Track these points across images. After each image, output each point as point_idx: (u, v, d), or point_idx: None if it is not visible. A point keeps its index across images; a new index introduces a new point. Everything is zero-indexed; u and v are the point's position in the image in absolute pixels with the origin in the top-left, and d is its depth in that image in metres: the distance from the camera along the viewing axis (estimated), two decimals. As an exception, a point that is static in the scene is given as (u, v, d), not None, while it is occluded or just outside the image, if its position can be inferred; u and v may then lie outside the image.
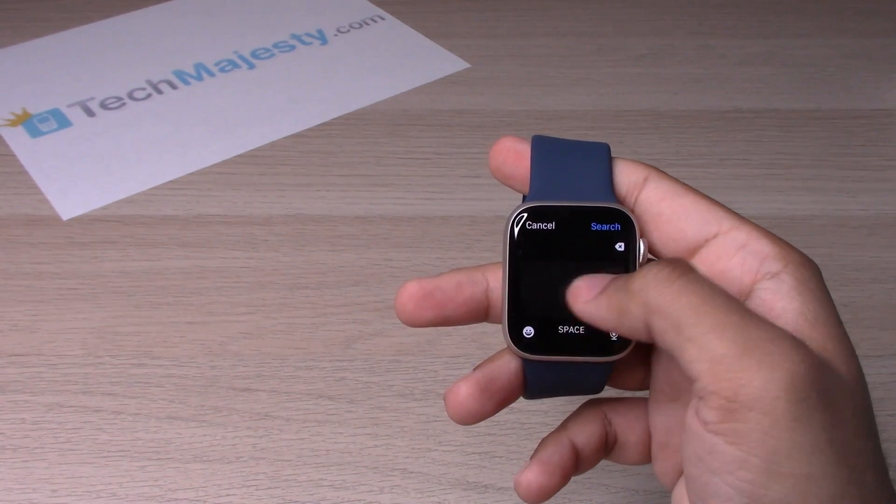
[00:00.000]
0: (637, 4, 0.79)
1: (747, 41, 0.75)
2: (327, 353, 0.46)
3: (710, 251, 0.26)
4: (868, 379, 0.47)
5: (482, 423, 0.43)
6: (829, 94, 0.68)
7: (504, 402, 0.28)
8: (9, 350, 0.46)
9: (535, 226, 0.27)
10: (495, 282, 0.28)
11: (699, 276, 0.23)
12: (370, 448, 0.42)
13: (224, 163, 0.60)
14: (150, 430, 0.43)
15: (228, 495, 0.40)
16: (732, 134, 0.63)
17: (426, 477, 0.41)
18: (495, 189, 0.57)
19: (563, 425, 0.29)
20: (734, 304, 0.23)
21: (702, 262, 0.26)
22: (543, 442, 0.29)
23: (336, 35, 0.75)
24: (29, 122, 0.64)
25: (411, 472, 0.41)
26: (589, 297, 0.25)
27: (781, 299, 0.24)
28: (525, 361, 0.27)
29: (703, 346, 0.22)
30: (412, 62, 0.71)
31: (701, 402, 0.22)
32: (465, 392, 0.27)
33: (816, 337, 0.24)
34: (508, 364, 0.28)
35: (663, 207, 0.27)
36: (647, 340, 0.24)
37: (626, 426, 0.29)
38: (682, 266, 0.24)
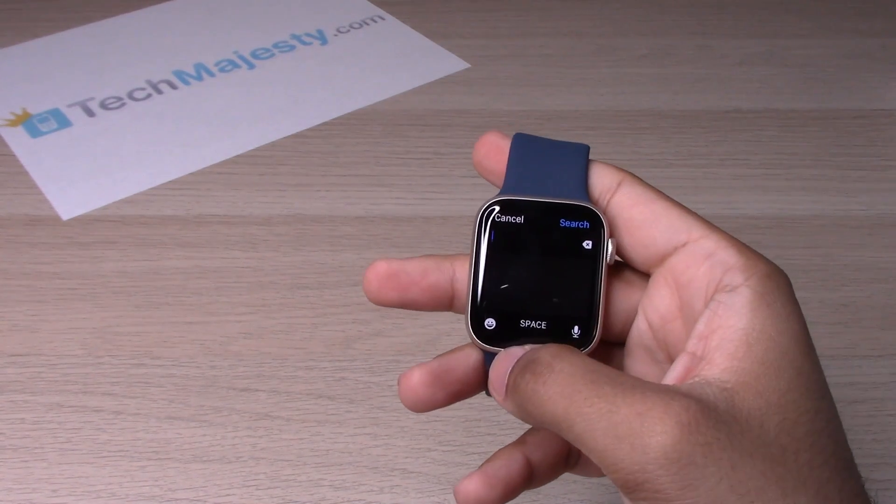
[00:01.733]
0: (637, 4, 0.79)
1: (747, 41, 0.75)
2: (327, 353, 0.46)
3: (679, 260, 0.26)
4: (868, 379, 0.47)
5: (483, 424, 0.43)
6: (829, 94, 0.68)
7: (457, 395, 0.28)
8: (9, 350, 0.46)
9: (504, 219, 0.27)
10: (462, 272, 0.28)
11: (563, 368, 0.24)
12: (370, 448, 0.42)
13: (224, 163, 0.60)
14: (150, 430, 0.43)
15: (228, 495, 0.40)
16: (732, 134, 0.63)
17: (426, 477, 0.41)
18: (495, 189, 0.57)
19: (522, 439, 0.29)
20: (600, 388, 0.23)
21: (671, 271, 0.26)
22: (496, 454, 0.29)
23: (336, 35, 0.75)
24: (29, 122, 0.64)
25: (411, 472, 0.41)
26: (501, 397, 0.26)
27: (731, 316, 0.24)
28: (486, 354, 0.27)
29: (585, 445, 0.23)
30: (412, 62, 0.71)
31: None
32: (417, 378, 0.27)
33: (747, 361, 0.23)
34: (468, 357, 0.28)
35: (634, 213, 0.27)
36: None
37: None
38: (543, 366, 0.24)
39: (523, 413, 0.25)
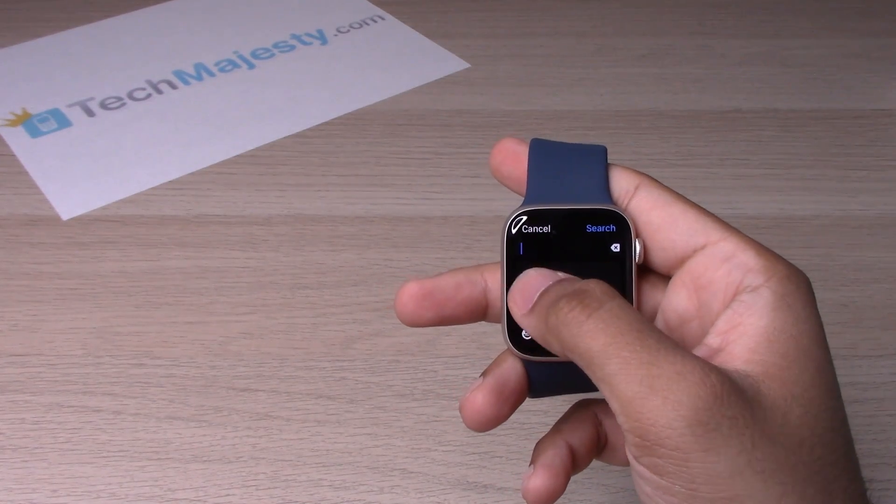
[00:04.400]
0: (637, 4, 0.79)
1: (747, 41, 0.75)
2: (327, 353, 0.46)
3: (698, 262, 0.26)
4: (868, 379, 0.47)
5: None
6: (829, 94, 0.68)
7: (517, 403, 0.28)
8: (9, 350, 0.46)
9: (531, 229, 0.27)
10: (493, 282, 0.28)
11: (612, 308, 0.24)
12: (370, 448, 0.42)
13: (224, 163, 0.60)
14: (150, 430, 0.43)
15: (228, 495, 0.40)
16: (732, 134, 0.63)
17: (426, 477, 0.41)
18: (495, 189, 0.57)
19: (557, 428, 0.29)
20: (645, 339, 0.23)
21: (689, 273, 0.27)
22: (541, 445, 0.29)
23: (336, 35, 0.75)
24: (29, 122, 0.64)
25: (411, 472, 0.41)
26: (523, 310, 0.26)
27: (752, 314, 0.24)
28: (526, 362, 0.28)
29: (613, 387, 0.23)
30: (412, 62, 0.71)
31: (626, 435, 0.23)
32: (481, 400, 0.27)
33: (769, 354, 0.24)
34: (515, 365, 0.28)
35: (653, 216, 0.27)
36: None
37: (617, 427, 0.29)
38: (594, 300, 0.24)
39: (552, 336, 0.25)
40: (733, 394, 0.22)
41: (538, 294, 0.26)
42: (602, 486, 0.40)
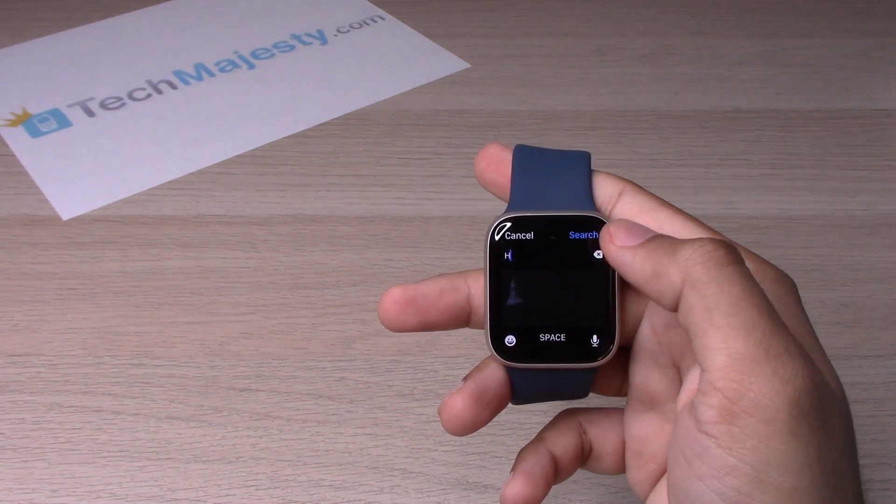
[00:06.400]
0: (637, 4, 0.79)
1: (747, 41, 0.74)
2: (327, 353, 0.46)
3: None
4: (868, 379, 0.47)
5: (482, 423, 0.43)
6: (829, 94, 0.68)
7: (497, 409, 0.28)
8: (9, 350, 0.46)
9: (514, 236, 0.28)
10: (477, 288, 0.28)
11: (745, 269, 0.23)
12: (370, 448, 0.42)
13: (224, 163, 0.60)
14: (150, 430, 0.43)
15: (228, 495, 0.40)
16: (732, 134, 0.63)
17: (426, 477, 0.41)
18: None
19: (540, 436, 0.29)
20: (768, 308, 0.23)
21: None
22: (523, 453, 0.29)
23: (336, 35, 0.75)
24: (29, 122, 0.64)
25: (411, 472, 0.41)
26: (626, 242, 0.25)
27: None
28: (510, 369, 0.28)
29: (728, 339, 0.22)
30: (412, 62, 0.71)
31: (702, 396, 0.22)
32: (460, 404, 0.27)
33: None
34: (497, 371, 0.28)
35: (637, 223, 0.27)
36: (665, 307, 0.24)
37: (602, 436, 0.29)
38: (734, 252, 0.24)
39: (661, 266, 0.24)
40: (823, 387, 0.22)
41: (651, 234, 0.25)
42: (602, 486, 0.40)
